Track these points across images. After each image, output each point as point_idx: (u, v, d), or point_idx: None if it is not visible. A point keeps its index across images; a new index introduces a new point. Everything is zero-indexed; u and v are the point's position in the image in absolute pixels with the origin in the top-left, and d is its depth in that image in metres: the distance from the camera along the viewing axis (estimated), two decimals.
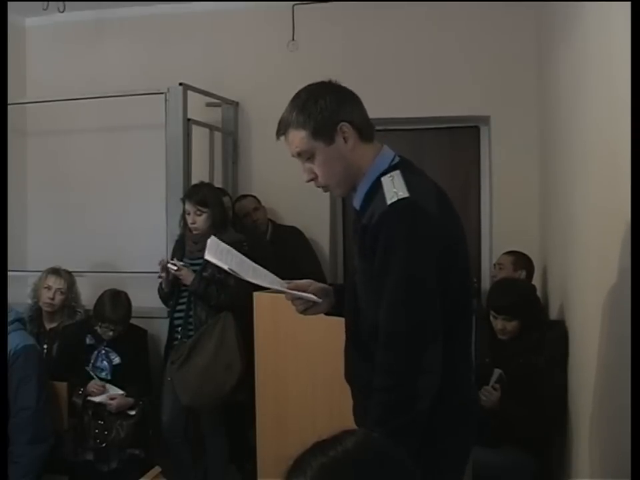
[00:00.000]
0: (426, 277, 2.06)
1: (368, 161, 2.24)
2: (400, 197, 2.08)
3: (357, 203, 2.29)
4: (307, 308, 2.43)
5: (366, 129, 2.25)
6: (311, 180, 2.28)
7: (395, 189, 2.11)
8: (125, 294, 4.72)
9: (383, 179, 2.18)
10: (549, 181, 4.60)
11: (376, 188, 2.18)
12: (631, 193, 1.87)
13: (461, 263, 2.22)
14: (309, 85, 2.28)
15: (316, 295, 2.40)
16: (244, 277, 2.37)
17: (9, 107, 5.56)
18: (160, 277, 4.50)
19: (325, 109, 2.18)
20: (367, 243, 2.14)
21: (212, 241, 2.53)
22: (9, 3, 4.36)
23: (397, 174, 2.17)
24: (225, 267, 2.38)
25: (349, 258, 5.70)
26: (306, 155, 2.23)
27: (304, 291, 2.39)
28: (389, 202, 2.09)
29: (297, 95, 2.26)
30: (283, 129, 2.25)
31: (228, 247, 2.52)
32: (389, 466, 1.33)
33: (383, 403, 2.07)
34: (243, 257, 2.48)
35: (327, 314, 2.50)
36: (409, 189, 2.10)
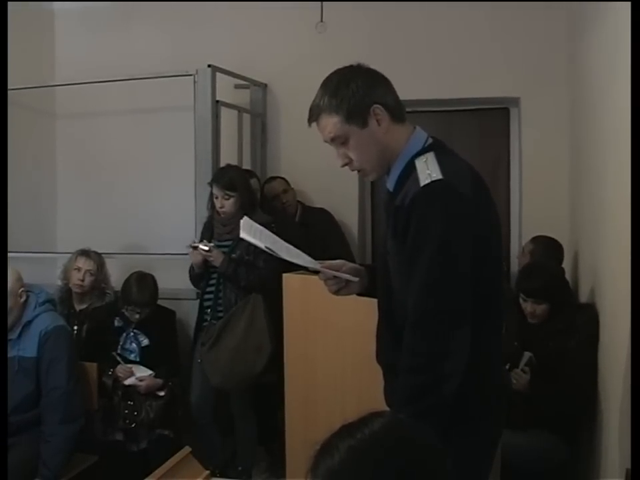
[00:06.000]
0: (458, 258, 2.05)
1: (401, 142, 2.23)
2: (433, 179, 2.07)
3: (390, 184, 2.28)
4: (340, 288, 2.43)
5: (398, 111, 2.24)
6: (346, 164, 2.28)
7: (428, 170, 2.10)
8: (152, 276, 4.73)
9: (416, 160, 2.17)
10: (580, 163, 4.55)
11: (409, 170, 2.17)
12: None
13: (494, 246, 2.21)
14: (339, 69, 2.26)
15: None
16: (280, 255, 2.37)
17: (38, 89, 5.61)
18: (191, 258, 4.51)
19: (357, 92, 2.17)
20: (400, 223, 2.13)
21: (245, 221, 2.52)
22: None
23: (430, 155, 2.16)
24: (262, 246, 2.38)
25: (378, 239, 5.68)
26: (340, 140, 2.22)
27: (337, 271, 2.39)
28: (422, 183, 2.08)
29: (328, 80, 2.24)
30: (314, 115, 2.24)
31: (261, 227, 2.51)
32: (416, 447, 1.33)
33: (409, 384, 2.07)
34: (276, 237, 2.47)
35: (359, 294, 2.50)
36: (443, 170, 2.09)
